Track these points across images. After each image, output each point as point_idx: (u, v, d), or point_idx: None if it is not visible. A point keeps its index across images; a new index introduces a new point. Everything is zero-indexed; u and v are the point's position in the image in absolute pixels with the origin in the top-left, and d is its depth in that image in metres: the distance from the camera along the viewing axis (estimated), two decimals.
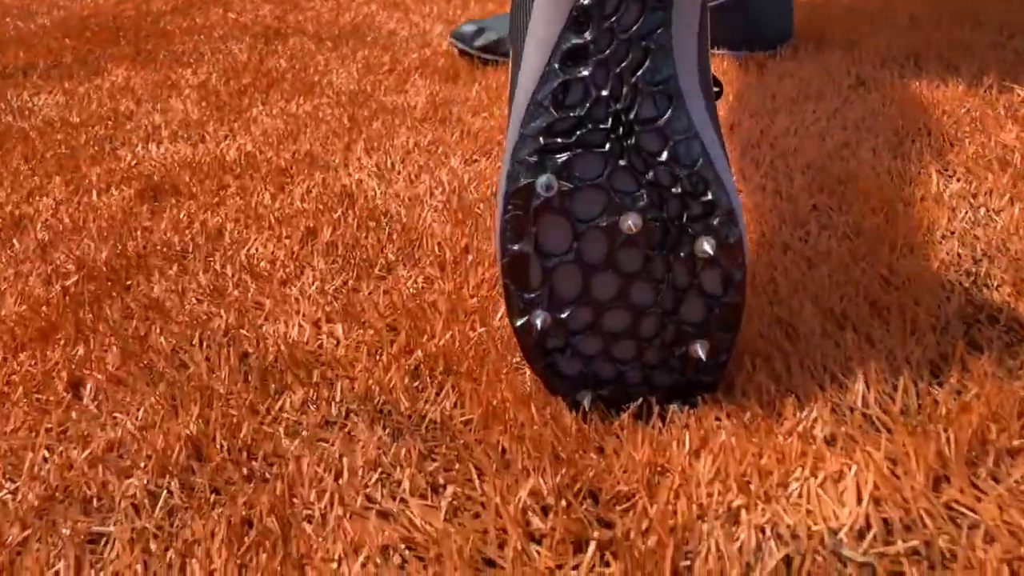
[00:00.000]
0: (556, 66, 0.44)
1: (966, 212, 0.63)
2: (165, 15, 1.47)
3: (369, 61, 1.12)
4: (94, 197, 0.78)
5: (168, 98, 1.03)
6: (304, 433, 0.47)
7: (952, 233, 0.61)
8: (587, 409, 0.46)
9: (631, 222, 0.44)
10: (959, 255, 0.58)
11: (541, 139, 0.44)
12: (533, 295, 0.45)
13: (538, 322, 0.45)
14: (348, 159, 0.82)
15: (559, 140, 0.44)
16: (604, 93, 0.44)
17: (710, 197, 0.44)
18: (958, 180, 0.67)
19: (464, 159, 0.81)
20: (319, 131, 0.89)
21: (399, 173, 0.79)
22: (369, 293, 0.60)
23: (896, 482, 0.40)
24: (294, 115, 0.94)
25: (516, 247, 0.45)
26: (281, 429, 0.47)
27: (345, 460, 0.44)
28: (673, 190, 0.44)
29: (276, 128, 0.90)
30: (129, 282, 0.64)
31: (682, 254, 0.45)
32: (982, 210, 0.63)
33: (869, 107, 0.83)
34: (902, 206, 0.64)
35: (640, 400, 0.47)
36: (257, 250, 0.66)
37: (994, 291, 0.54)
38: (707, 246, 0.44)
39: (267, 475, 0.44)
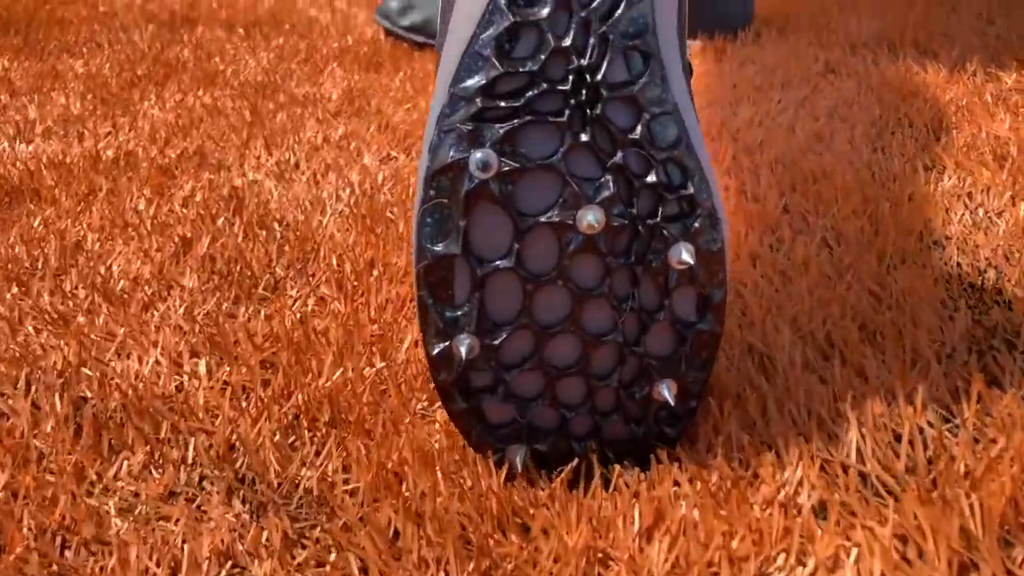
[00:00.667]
0: (503, 2, 0.33)
1: (963, 213, 0.53)
2: (66, 3, 1.34)
3: (283, 49, 1.00)
4: None
5: (49, 91, 0.90)
6: (141, 509, 0.36)
7: (949, 238, 0.51)
8: (518, 470, 0.36)
9: (591, 219, 0.33)
10: (959, 264, 0.48)
11: (478, 101, 0.33)
12: (457, 313, 0.34)
13: (462, 349, 0.34)
14: (244, 157, 0.71)
15: (502, 104, 0.33)
16: (565, 43, 0.33)
17: (690, 191, 0.33)
18: (949, 176, 0.58)
19: (380, 155, 0.70)
20: (215, 126, 0.77)
21: (302, 172, 0.67)
22: (247, 319, 0.49)
23: (910, 570, 0.30)
24: (189, 108, 0.82)
25: (438, 247, 0.34)
26: (112, 503, 0.36)
27: (187, 548, 0.33)
28: (646, 179, 0.33)
29: (166, 123, 0.79)
30: None
31: (652, 264, 0.34)
32: (980, 211, 0.54)
33: (842, 95, 0.74)
34: (888, 207, 0.54)
35: (581, 459, 0.36)
36: (119, 266, 0.55)
37: (1006, 308, 0.44)
38: (685, 254, 0.33)
39: (81, 573, 0.33)
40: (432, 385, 0.41)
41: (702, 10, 0.90)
